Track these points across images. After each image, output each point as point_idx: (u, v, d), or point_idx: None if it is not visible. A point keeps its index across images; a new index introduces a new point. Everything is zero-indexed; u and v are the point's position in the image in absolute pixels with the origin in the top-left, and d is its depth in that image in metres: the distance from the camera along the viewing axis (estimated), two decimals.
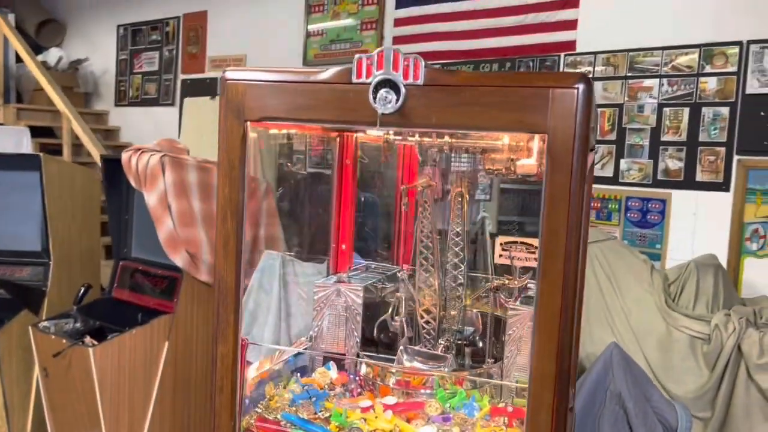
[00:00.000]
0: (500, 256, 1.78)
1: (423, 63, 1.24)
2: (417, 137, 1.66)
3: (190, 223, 3.44)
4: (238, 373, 1.40)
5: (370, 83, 1.27)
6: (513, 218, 2.60)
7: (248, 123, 1.36)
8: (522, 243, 1.76)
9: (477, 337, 1.93)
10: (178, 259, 3.39)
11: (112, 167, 3.80)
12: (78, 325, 3.45)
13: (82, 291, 3.49)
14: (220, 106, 1.38)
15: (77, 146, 5.59)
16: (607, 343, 2.72)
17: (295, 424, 1.45)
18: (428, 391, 1.57)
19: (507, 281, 1.79)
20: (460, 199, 1.96)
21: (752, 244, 3.50)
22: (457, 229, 1.98)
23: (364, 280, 1.89)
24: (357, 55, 1.29)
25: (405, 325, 1.70)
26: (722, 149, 3.53)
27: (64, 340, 3.26)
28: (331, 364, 1.74)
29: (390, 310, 1.77)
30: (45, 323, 3.47)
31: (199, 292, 3.52)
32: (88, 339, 3.30)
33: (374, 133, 2.08)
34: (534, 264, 1.76)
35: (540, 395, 1.22)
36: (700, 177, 3.62)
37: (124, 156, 3.61)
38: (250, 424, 1.49)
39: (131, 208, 3.87)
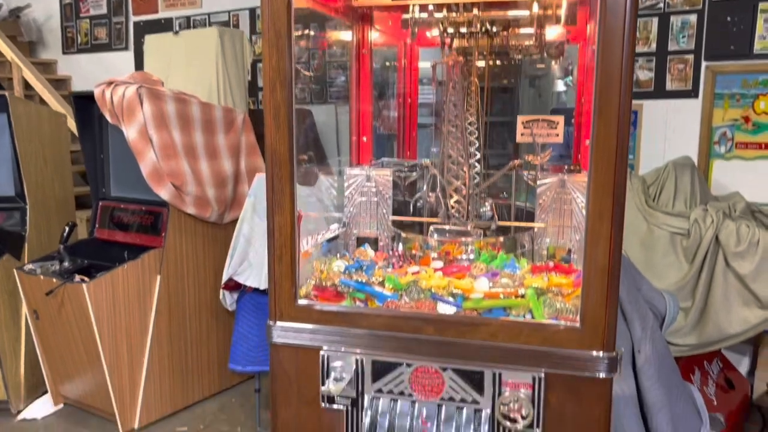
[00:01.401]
0: (522, 134, 1.83)
1: None
2: (444, 11, 1.67)
3: (173, 155, 3.38)
4: (296, 242, 1.43)
5: None
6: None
7: None
8: (543, 120, 1.82)
9: (496, 219, 2.00)
10: (164, 192, 3.33)
11: (83, 106, 3.67)
12: (66, 264, 3.37)
13: (66, 230, 3.41)
14: None
15: (27, 97, 5.34)
16: None
17: (353, 287, 1.49)
18: (470, 257, 1.64)
19: (529, 159, 1.85)
20: (474, 87, 2.01)
21: (720, 147, 3.68)
22: (472, 119, 2.03)
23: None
24: None
25: (441, 198, 1.75)
26: (691, 57, 3.67)
27: (54, 280, 3.19)
28: (366, 245, 1.78)
29: (425, 186, 1.81)
30: (30, 266, 3.39)
31: (186, 225, 3.49)
32: (78, 277, 3.24)
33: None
34: (555, 140, 1.82)
35: (598, 230, 1.29)
36: (670, 86, 3.76)
37: (97, 90, 3.49)
38: (308, 293, 1.52)
39: (106, 146, 3.76)
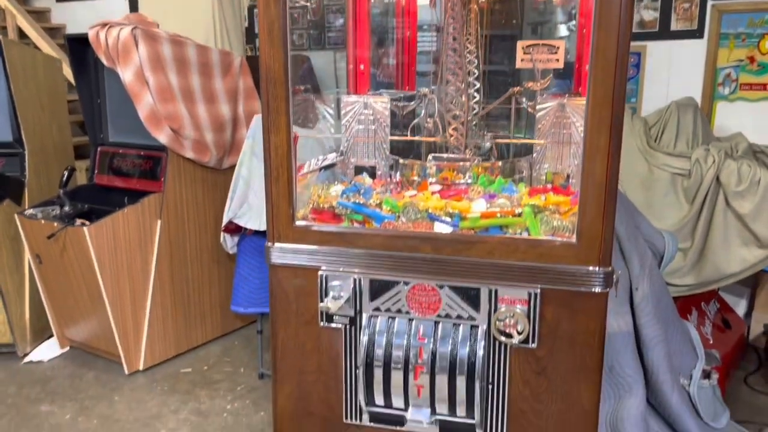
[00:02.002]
0: (522, 60, 1.81)
1: None
2: None
3: (170, 99, 3.34)
4: (293, 162, 1.42)
5: None
6: None
7: None
8: (543, 44, 1.79)
9: (495, 151, 1.98)
10: (162, 136, 3.31)
11: (79, 50, 3.62)
12: (66, 208, 3.38)
13: (66, 175, 3.41)
14: None
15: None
16: None
17: (351, 209, 1.49)
18: (468, 182, 1.63)
19: (529, 85, 1.83)
20: (474, 15, 1.97)
21: (724, 88, 3.63)
22: (471, 47, 1.99)
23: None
24: None
25: (439, 125, 1.74)
26: None
27: (55, 224, 3.20)
28: (364, 173, 1.77)
29: (423, 111, 1.79)
30: (31, 211, 3.39)
31: (185, 170, 3.48)
32: (78, 221, 3.25)
33: None
34: (556, 64, 1.79)
35: (596, 143, 1.28)
36: (674, 26, 3.69)
37: (91, 32, 3.43)
38: (306, 215, 1.52)
39: (102, 91, 3.72)
